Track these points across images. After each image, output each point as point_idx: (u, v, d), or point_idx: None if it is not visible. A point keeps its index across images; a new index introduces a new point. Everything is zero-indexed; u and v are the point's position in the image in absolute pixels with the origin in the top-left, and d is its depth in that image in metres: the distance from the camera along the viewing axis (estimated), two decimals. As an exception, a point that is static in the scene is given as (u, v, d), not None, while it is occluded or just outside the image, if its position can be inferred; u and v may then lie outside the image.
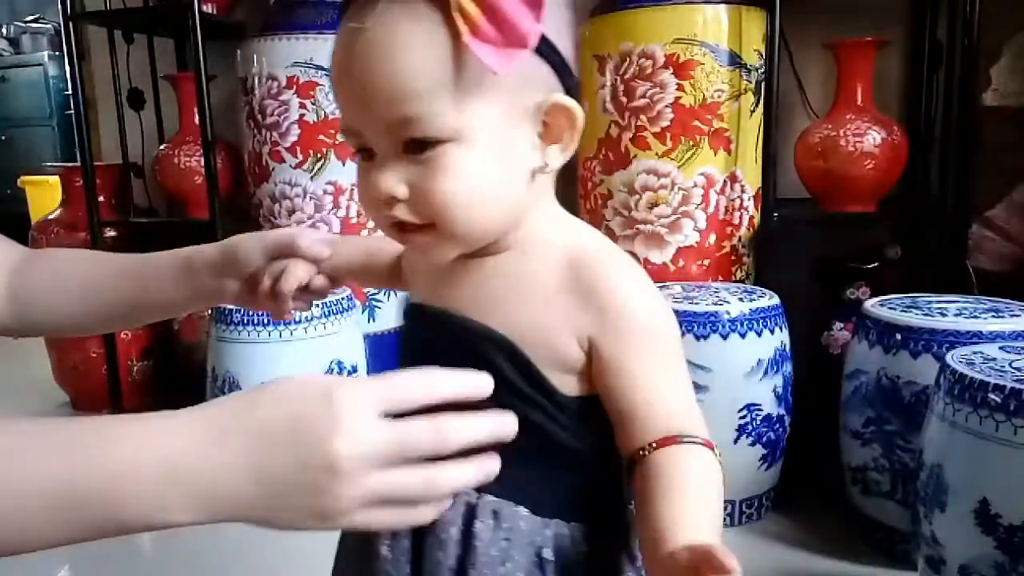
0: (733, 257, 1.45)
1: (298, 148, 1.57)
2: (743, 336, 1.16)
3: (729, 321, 1.16)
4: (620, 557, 0.50)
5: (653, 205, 1.41)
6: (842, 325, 1.41)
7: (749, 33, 1.38)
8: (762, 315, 1.18)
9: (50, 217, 1.87)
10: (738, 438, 1.18)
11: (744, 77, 1.39)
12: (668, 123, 1.38)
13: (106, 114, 2.02)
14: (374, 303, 1.68)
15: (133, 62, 1.88)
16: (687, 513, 0.41)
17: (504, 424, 0.44)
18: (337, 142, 1.58)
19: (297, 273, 0.60)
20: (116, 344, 1.75)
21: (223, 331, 1.31)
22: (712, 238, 1.42)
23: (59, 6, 1.64)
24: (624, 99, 1.41)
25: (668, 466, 0.43)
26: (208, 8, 1.65)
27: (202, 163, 1.59)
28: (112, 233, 1.79)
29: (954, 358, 0.88)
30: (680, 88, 1.37)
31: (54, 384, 1.92)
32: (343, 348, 1.38)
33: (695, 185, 1.40)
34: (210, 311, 1.41)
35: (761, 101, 1.39)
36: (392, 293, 1.68)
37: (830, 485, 1.22)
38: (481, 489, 0.46)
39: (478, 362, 0.46)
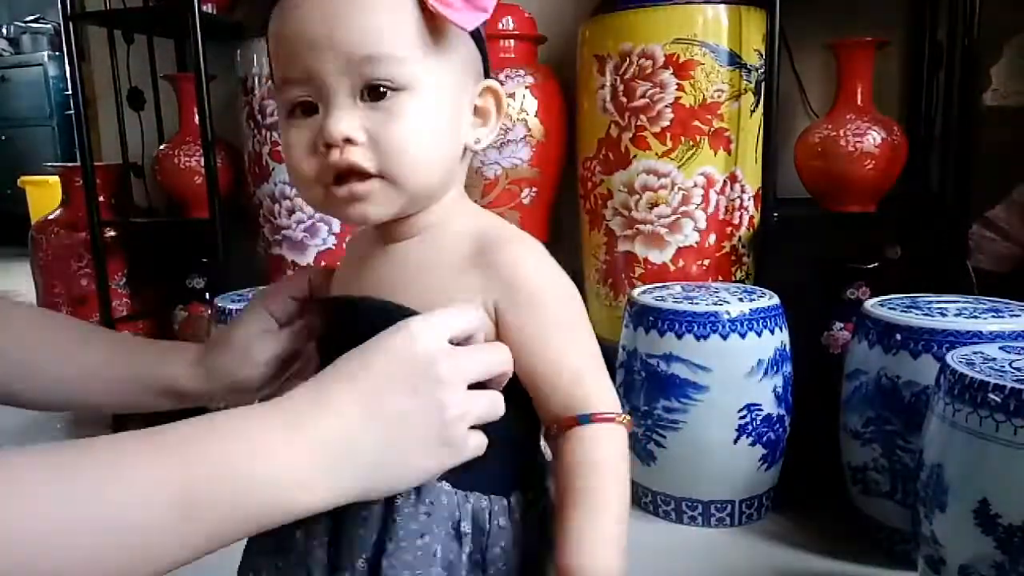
0: (733, 257, 1.45)
1: (298, 148, 1.58)
2: (743, 336, 1.16)
3: (729, 321, 1.16)
4: (536, 532, 0.51)
5: (653, 205, 1.41)
6: (842, 325, 1.41)
7: (749, 33, 1.38)
8: (762, 315, 1.18)
9: (50, 217, 1.87)
10: (738, 438, 1.18)
11: (744, 77, 1.39)
12: (668, 123, 1.38)
13: (106, 114, 2.01)
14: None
15: (133, 62, 1.88)
16: (582, 527, 0.46)
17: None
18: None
19: None
20: (116, 344, 1.75)
21: (223, 331, 1.31)
22: (712, 238, 1.42)
23: (59, 6, 1.63)
24: (624, 99, 1.41)
25: (572, 464, 0.47)
26: (208, 8, 1.65)
27: (202, 163, 1.59)
28: (112, 233, 1.79)
29: (954, 358, 0.88)
30: (680, 88, 1.37)
31: None
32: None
33: (695, 185, 1.40)
34: (209, 311, 1.41)
35: (761, 101, 1.39)
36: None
37: (830, 485, 1.22)
38: None
39: None
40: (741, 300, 1.20)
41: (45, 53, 4.44)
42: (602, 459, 0.48)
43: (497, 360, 0.47)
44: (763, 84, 1.38)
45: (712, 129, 1.38)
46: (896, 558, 1.09)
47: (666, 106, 1.38)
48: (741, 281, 1.46)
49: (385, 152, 0.46)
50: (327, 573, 0.48)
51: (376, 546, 0.47)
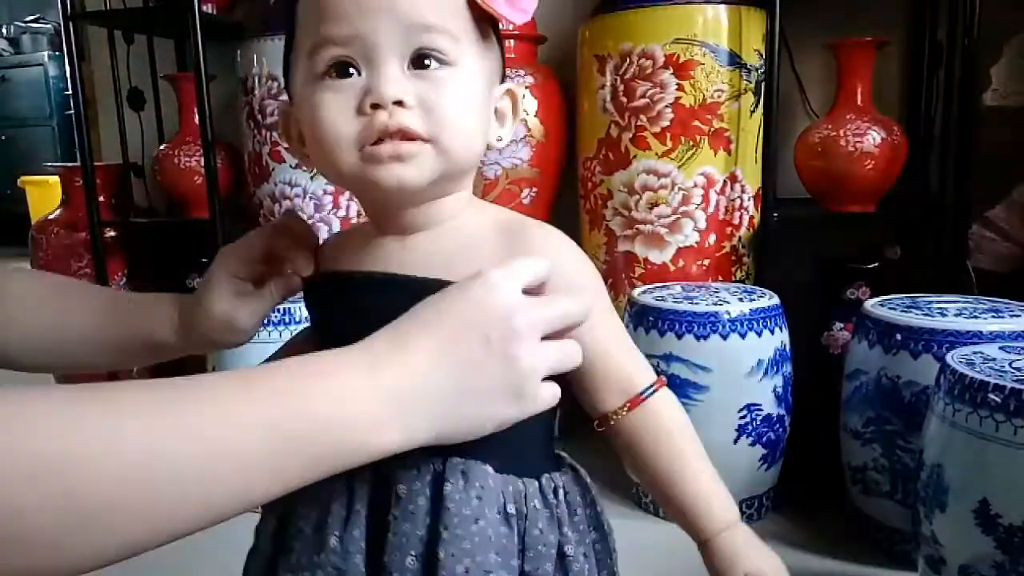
0: (733, 257, 1.45)
1: (298, 148, 1.57)
2: (743, 336, 1.16)
3: (729, 321, 1.16)
4: (566, 514, 0.52)
5: (653, 205, 1.41)
6: (842, 325, 1.40)
7: (749, 33, 1.38)
8: (762, 315, 1.18)
9: (50, 217, 1.87)
10: (738, 438, 1.18)
11: (744, 77, 1.39)
12: (668, 123, 1.38)
13: (106, 114, 2.02)
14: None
15: (133, 62, 1.88)
16: (688, 466, 0.51)
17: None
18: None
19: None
20: (116, 344, 1.75)
21: (223, 331, 1.31)
22: (712, 238, 1.42)
23: (59, 6, 1.64)
24: (624, 99, 1.41)
25: (652, 427, 0.51)
26: (208, 8, 1.65)
27: (202, 163, 1.59)
28: (112, 233, 1.79)
29: (954, 358, 0.88)
30: (680, 88, 1.37)
31: (54, 383, 1.92)
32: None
33: (695, 185, 1.40)
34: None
35: (761, 101, 1.40)
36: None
37: (830, 485, 1.22)
38: (445, 452, 0.47)
39: None
40: (741, 300, 1.20)
41: (45, 53, 4.43)
42: (679, 420, 0.52)
43: (571, 311, 0.47)
44: (763, 84, 1.38)
45: (712, 129, 1.38)
46: (896, 558, 1.09)
47: (666, 106, 1.38)
48: (741, 281, 1.46)
49: (438, 118, 0.46)
50: None
51: (428, 539, 0.46)
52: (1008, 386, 0.78)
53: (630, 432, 0.52)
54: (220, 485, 0.37)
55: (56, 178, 1.95)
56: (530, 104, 1.54)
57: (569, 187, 1.61)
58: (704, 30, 1.36)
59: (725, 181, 1.41)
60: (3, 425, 0.33)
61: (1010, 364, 0.85)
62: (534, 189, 1.58)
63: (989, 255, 1.39)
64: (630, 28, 1.39)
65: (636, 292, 1.29)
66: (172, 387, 0.39)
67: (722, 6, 1.36)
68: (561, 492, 0.52)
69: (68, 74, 1.71)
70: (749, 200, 1.44)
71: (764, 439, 1.19)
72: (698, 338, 1.16)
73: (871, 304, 1.14)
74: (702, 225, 1.41)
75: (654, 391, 0.51)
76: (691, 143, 1.39)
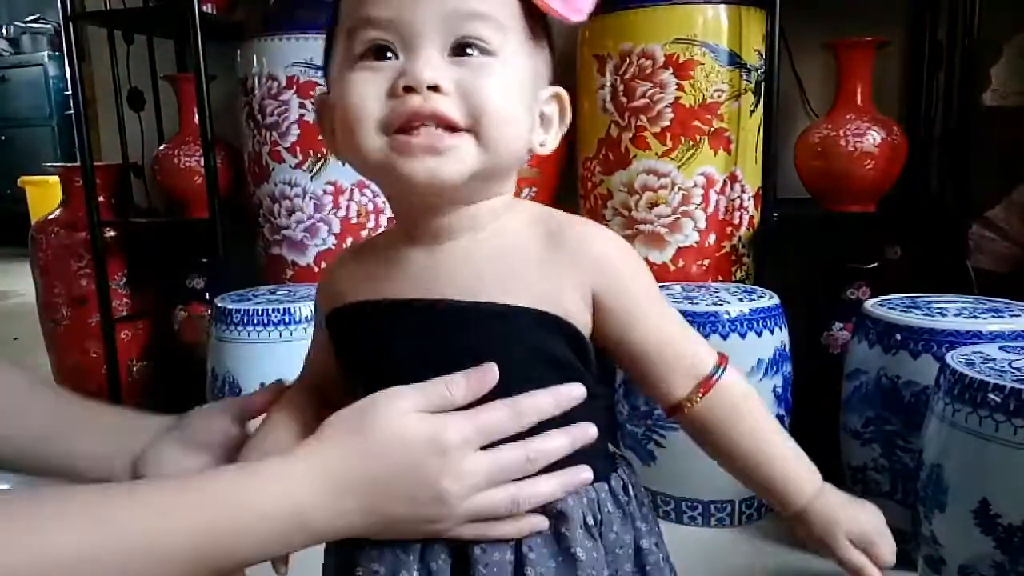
0: (733, 257, 1.45)
1: (298, 148, 1.57)
2: (743, 336, 1.16)
3: (729, 321, 1.16)
4: (637, 508, 0.52)
5: (653, 205, 1.41)
6: (842, 325, 1.40)
7: (749, 33, 1.38)
8: (762, 315, 1.18)
9: (50, 217, 1.87)
10: (738, 438, 1.18)
11: (744, 77, 1.39)
12: (668, 123, 1.38)
13: (106, 114, 2.01)
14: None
15: (133, 62, 1.88)
16: (769, 440, 0.51)
17: (585, 430, 0.48)
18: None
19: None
20: (116, 344, 1.75)
21: (223, 331, 1.31)
22: (712, 238, 1.42)
23: (59, 6, 1.63)
24: (624, 99, 1.40)
25: (729, 407, 0.50)
26: (208, 8, 1.65)
27: (202, 163, 1.59)
28: (112, 233, 1.79)
29: (954, 358, 0.88)
30: (680, 88, 1.37)
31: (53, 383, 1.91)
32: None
33: (695, 185, 1.40)
34: (209, 311, 1.41)
35: (761, 101, 1.39)
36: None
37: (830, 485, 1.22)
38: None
39: (502, 344, 0.46)
40: (741, 300, 1.20)
41: (45, 53, 4.44)
42: (749, 393, 0.51)
43: (500, 424, 0.46)
44: (763, 84, 1.38)
45: (712, 129, 1.38)
46: (896, 558, 1.09)
47: (666, 106, 1.38)
48: (741, 281, 1.46)
49: (477, 105, 0.43)
50: None
51: (515, 560, 0.47)
52: (1008, 386, 0.77)
53: (705, 418, 0.50)
54: None
55: (56, 178, 1.95)
56: (530, 104, 1.54)
57: (569, 187, 1.61)
58: (704, 30, 1.36)
59: (725, 181, 1.41)
60: None
61: (1010, 364, 0.85)
62: (534, 189, 1.58)
63: (989, 255, 1.39)
64: (630, 28, 1.39)
65: (636, 292, 1.28)
66: (101, 495, 0.42)
67: (722, 6, 1.36)
68: (630, 488, 0.52)
69: (68, 74, 1.71)
70: (749, 200, 1.44)
71: (764, 439, 1.19)
72: (698, 338, 1.16)
73: (871, 304, 1.14)
74: (702, 225, 1.41)
75: (723, 371, 0.50)
76: (691, 143, 1.39)
